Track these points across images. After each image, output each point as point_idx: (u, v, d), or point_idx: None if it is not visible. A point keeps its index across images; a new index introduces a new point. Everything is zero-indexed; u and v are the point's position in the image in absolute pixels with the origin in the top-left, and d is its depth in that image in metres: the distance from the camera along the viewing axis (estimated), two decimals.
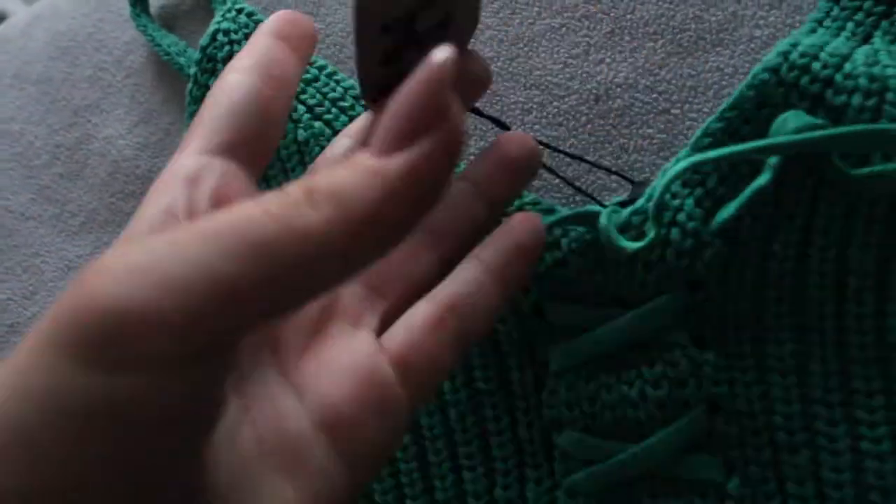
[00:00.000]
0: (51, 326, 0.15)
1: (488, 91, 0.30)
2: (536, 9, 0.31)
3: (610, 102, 0.29)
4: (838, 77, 0.23)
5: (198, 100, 0.32)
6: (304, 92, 0.30)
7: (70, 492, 0.14)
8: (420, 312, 0.21)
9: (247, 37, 0.32)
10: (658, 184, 0.23)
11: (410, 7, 0.20)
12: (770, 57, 0.24)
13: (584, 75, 0.30)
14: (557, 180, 0.29)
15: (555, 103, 0.30)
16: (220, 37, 0.32)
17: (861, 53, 0.23)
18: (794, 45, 0.24)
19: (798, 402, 0.24)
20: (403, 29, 0.20)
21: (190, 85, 0.32)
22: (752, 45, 0.28)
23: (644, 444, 0.24)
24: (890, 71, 0.23)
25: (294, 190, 0.16)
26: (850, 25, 0.25)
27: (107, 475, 0.14)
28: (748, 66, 0.28)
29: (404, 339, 0.21)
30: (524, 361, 0.26)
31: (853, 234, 0.23)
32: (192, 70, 0.32)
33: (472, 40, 0.31)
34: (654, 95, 0.29)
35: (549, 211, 0.26)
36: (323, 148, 0.27)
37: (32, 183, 0.40)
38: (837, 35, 0.25)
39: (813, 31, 0.25)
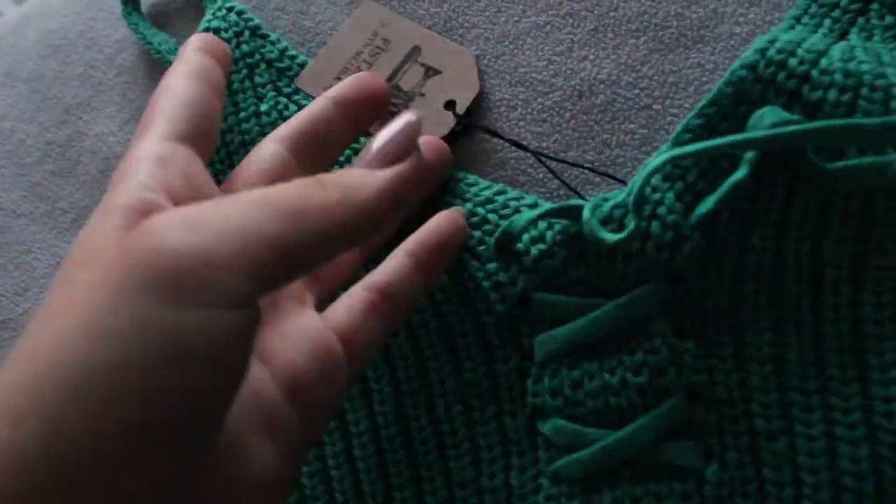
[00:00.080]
0: (121, 271, 0.17)
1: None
2: (521, 7, 0.32)
3: (593, 98, 0.30)
4: (814, 73, 0.23)
5: None
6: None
7: (140, 425, 0.16)
8: (357, 296, 0.25)
9: (237, 35, 0.33)
10: (638, 177, 0.24)
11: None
12: (748, 54, 0.24)
13: (568, 72, 0.30)
14: (542, 175, 0.29)
15: (539, 100, 0.30)
16: None
17: (837, 50, 0.24)
18: (772, 42, 0.24)
19: (775, 391, 0.24)
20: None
21: None
22: (733, 42, 0.28)
23: (625, 430, 0.24)
24: (865, 67, 0.23)
25: (306, 180, 0.20)
26: (827, 22, 0.26)
27: (174, 406, 0.17)
28: (728, 62, 0.28)
29: (346, 319, 0.24)
30: (510, 351, 0.27)
31: (828, 228, 0.24)
32: None
33: (460, 39, 0.32)
34: (636, 91, 0.29)
35: (534, 205, 0.27)
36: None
37: (24, 180, 0.40)
38: (815, 31, 0.26)
39: (791, 27, 0.26)
